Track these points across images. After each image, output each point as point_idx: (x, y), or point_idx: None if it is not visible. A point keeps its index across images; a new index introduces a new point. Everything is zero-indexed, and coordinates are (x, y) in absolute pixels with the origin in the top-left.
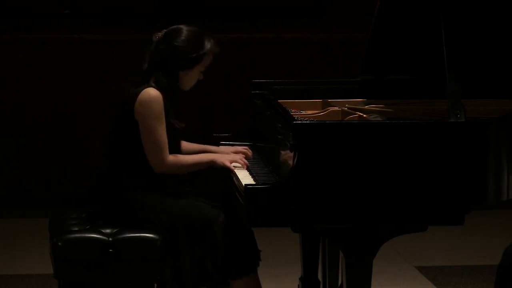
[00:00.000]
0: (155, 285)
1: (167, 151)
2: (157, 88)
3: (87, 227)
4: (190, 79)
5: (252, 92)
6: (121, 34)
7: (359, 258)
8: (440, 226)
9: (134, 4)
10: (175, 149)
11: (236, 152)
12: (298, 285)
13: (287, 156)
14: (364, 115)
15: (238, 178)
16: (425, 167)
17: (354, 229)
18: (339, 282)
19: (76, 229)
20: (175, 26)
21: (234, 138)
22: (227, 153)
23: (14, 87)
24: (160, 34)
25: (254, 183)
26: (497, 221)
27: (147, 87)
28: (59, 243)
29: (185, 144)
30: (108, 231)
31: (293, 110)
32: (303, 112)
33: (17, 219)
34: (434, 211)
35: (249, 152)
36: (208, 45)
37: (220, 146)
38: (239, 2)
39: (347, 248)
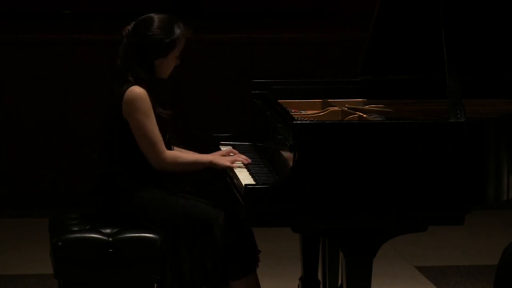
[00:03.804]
0: (155, 285)
1: (163, 145)
2: (138, 83)
3: (87, 227)
4: (166, 66)
5: (252, 92)
6: (121, 34)
7: (359, 258)
8: (440, 226)
9: (134, 4)
10: (164, 140)
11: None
12: (298, 285)
13: (287, 156)
14: (364, 115)
15: (238, 178)
16: (425, 167)
17: (354, 229)
18: (339, 282)
19: (76, 229)
20: (143, 16)
21: (234, 138)
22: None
23: (14, 87)
24: (129, 27)
25: (254, 183)
26: (497, 221)
27: (130, 85)
28: (59, 243)
29: (178, 150)
30: (108, 231)
31: (293, 110)
32: (303, 112)
33: (17, 219)
34: (434, 211)
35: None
36: (178, 29)
37: (216, 152)
38: (239, 2)
39: (347, 248)
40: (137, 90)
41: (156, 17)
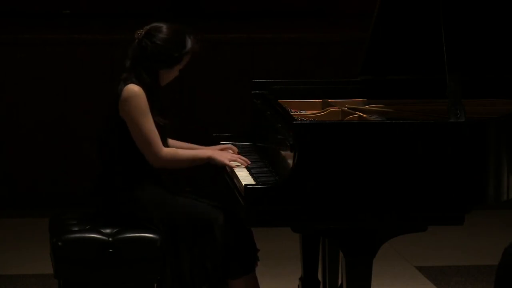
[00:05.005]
0: (155, 285)
1: (160, 143)
2: (139, 84)
3: (87, 227)
4: (168, 76)
5: (252, 92)
6: (121, 34)
7: (359, 258)
8: (440, 226)
9: (134, 4)
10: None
11: (224, 149)
12: (298, 285)
13: (287, 156)
14: (364, 115)
15: (238, 178)
16: (425, 167)
17: (354, 229)
18: (339, 282)
19: (76, 229)
20: (156, 24)
21: (234, 138)
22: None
23: (14, 87)
24: (142, 32)
25: (254, 183)
26: (497, 221)
27: (129, 83)
28: (59, 243)
29: (175, 143)
30: (108, 231)
31: (293, 110)
32: (303, 112)
33: (17, 219)
34: (434, 211)
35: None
36: (189, 44)
37: (215, 146)
38: (239, 2)
39: (347, 248)
40: (133, 88)
41: (169, 27)
